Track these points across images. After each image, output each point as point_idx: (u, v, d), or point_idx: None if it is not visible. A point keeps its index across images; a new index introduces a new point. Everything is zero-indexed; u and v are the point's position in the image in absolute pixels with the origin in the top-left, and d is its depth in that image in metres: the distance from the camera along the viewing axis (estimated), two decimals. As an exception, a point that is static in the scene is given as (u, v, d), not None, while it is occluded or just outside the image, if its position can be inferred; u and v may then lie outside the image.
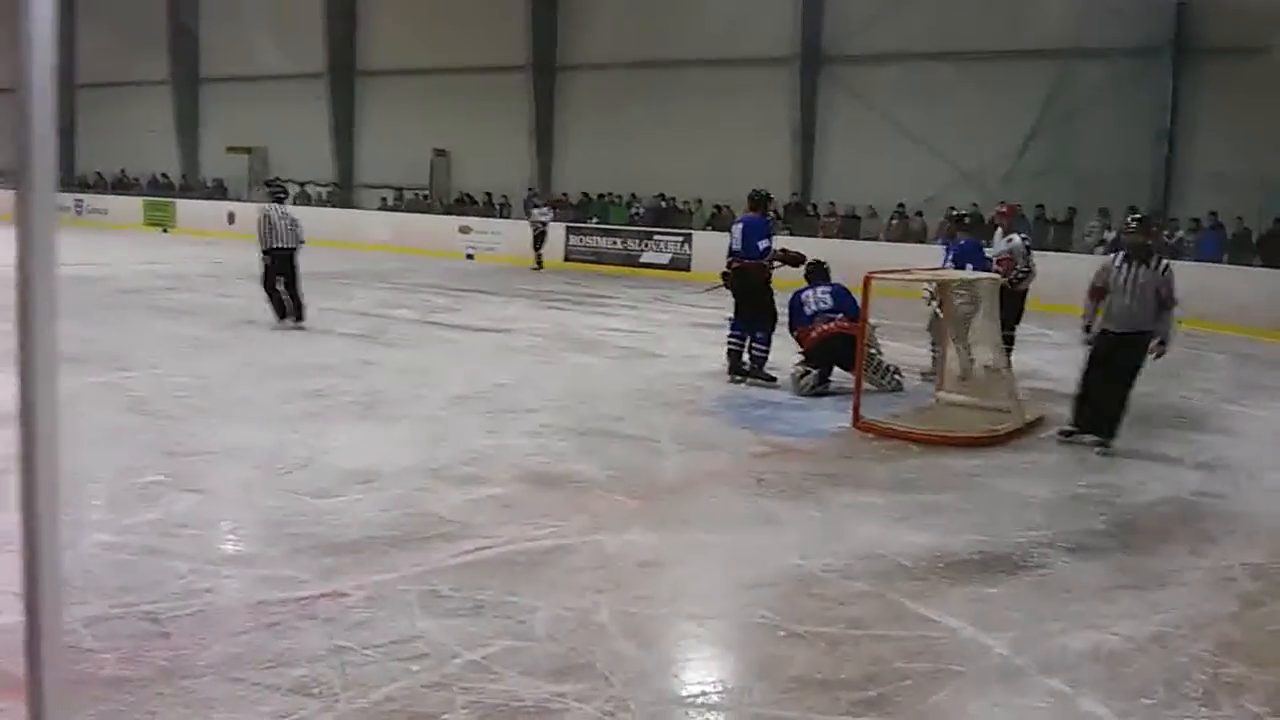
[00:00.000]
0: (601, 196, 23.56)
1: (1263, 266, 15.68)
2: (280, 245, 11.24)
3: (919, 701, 3.38)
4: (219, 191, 29.57)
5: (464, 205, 25.20)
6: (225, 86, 29.87)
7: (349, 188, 28.25)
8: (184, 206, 28.51)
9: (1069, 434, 7.20)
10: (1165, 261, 6.99)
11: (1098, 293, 7.10)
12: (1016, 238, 9.87)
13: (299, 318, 11.33)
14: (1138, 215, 7.46)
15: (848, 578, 4.46)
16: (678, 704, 3.37)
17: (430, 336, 11.53)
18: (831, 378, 8.71)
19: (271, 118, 28.24)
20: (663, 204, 22.48)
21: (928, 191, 19.02)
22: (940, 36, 19.14)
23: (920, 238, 18.78)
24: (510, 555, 4.56)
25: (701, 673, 3.70)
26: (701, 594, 4.35)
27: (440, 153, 26.62)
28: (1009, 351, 9.48)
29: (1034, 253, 10.05)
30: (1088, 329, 7.20)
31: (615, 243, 21.69)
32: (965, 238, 9.81)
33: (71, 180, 31.03)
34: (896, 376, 9.00)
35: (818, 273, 9.45)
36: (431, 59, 25.55)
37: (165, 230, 27.76)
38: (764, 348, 9.15)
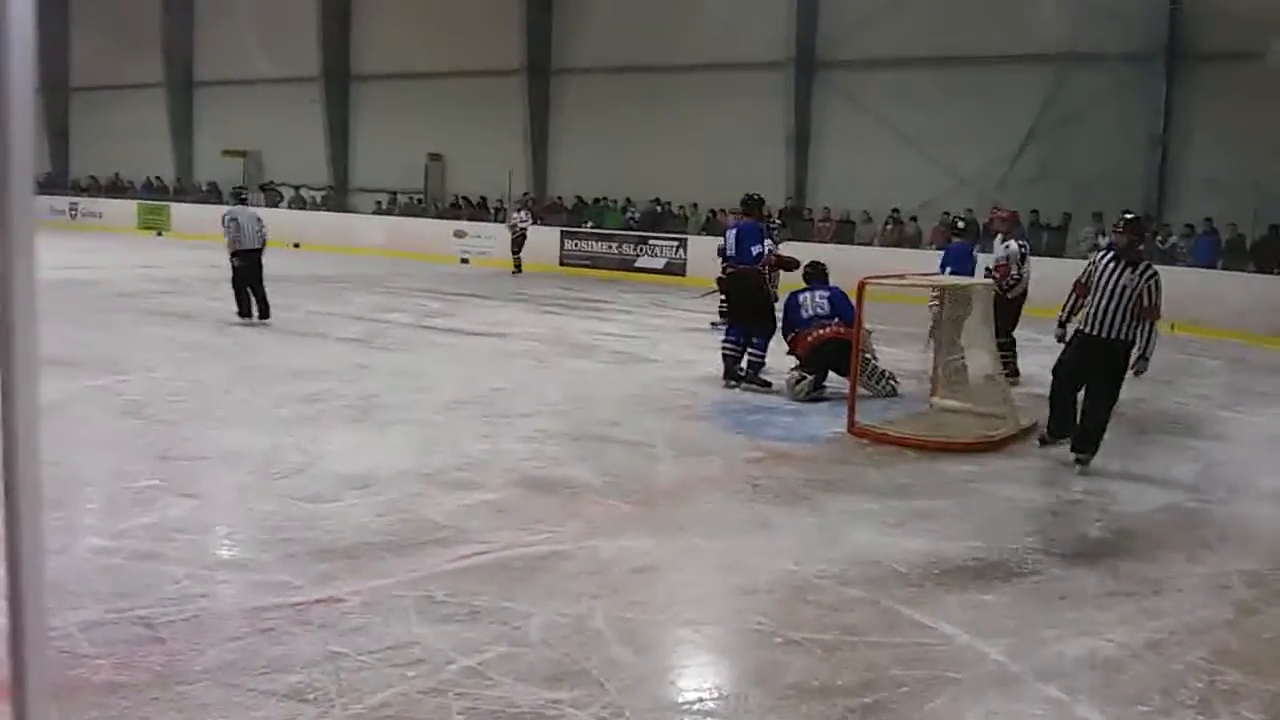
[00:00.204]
0: (597, 201, 23.57)
1: (1256, 272, 15.74)
2: (248, 247, 11.76)
3: (915, 709, 3.37)
4: (214, 195, 29.52)
5: (459, 209, 25.19)
6: (220, 90, 29.84)
7: (344, 192, 28.22)
8: (179, 210, 28.45)
9: (1045, 442, 7.07)
10: (1153, 268, 6.61)
11: (1080, 288, 6.81)
12: (1013, 244, 9.77)
13: (265, 315, 11.80)
14: (1129, 216, 7.03)
15: (843, 584, 4.46)
16: (674, 710, 3.37)
17: (425, 341, 11.52)
18: (827, 383, 8.71)
19: (266, 121, 28.23)
20: (658, 208, 22.49)
21: (923, 196, 19.05)
22: (935, 41, 19.17)
23: (915, 243, 18.82)
24: (505, 561, 4.55)
25: (697, 679, 3.70)
26: (697, 600, 4.35)
27: (435, 157, 26.60)
28: (1012, 359, 9.49)
29: (1030, 259, 9.99)
30: (1062, 324, 7.01)
31: (610, 247, 21.70)
32: (958, 241, 9.82)
33: (66, 184, 30.99)
34: (891, 382, 9.00)
35: (816, 274, 9.43)
36: (426, 63, 25.55)
37: (160, 234, 27.71)
38: (761, 353, 9.14)
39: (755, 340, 9.15)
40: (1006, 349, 9.30)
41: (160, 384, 8.34)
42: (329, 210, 27.30)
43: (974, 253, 10.03)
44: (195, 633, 3.69)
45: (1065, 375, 6.86)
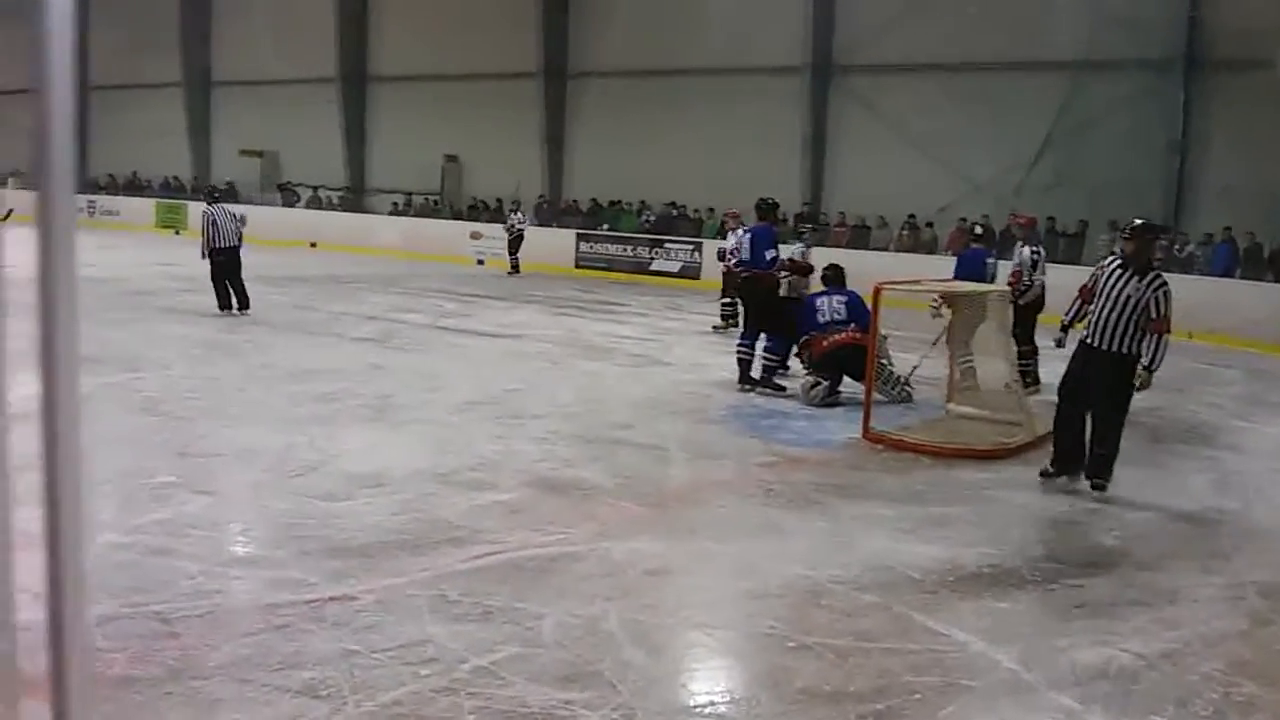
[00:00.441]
0: (612, 204, 23.60)
1: (1274, 282, 15.62)
2: (225, 244, 12.44)
3: (928, 716, 3.37)
4: (230, 195, 29.66)
5: (475, 211, 25.25)
6: (237, 90, 29.99)
7: (360, 192, 28.33)
8: (196, 209, 28.50)
9: (1047, 474, 6.46)
10: (1161, 278, 6.17)
11: (1085, 293, 6.46)
12: (1026, 250, 9.65)
13: (244, 307, 12.46)
14: (1137, 223, 6.53)
15: (856, 589, 4.45)
16: (685, 713, 3.37)
17: (440, 342, 11.55)
18: (842, 388, 8.69)
19: (283, 122, 28.36)
20: (673, 212, 22.50)
21: (939, 202, 18.99)
22: (952, 47, 19.10)
23: (931, 248, 18.76)
24: (518, 561, 4.56)
25: (709, 682, 3.70)
26: (709, 603, 4.35)
27: (451, 158, 26.67)
28: (1033, 367, 9.43)
29: (1045, 265, 9.88)
30: (1063, 329, 6.78)
31: (625, 250, 21.71)
32: (976, 247, 9.77)
33: (84, 182, 31.16)
34: (907, 388, 8.97)
35: (834, 278, 9.39)
36: (443, 65, 25.62)
37: (177, 232, 27.82)
38: (776, 358, 9.13)
39: (769, 344, 9.14)
40: (1028, 357, 9.26)
41: (176, 381, 8.39)
42: (345, 210, 27.39)
43: (989, 259, 9.99)
44: (209, 628, 3.71)
45: (1066, 393, 6.46)
